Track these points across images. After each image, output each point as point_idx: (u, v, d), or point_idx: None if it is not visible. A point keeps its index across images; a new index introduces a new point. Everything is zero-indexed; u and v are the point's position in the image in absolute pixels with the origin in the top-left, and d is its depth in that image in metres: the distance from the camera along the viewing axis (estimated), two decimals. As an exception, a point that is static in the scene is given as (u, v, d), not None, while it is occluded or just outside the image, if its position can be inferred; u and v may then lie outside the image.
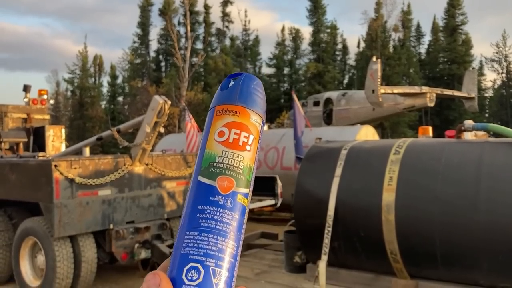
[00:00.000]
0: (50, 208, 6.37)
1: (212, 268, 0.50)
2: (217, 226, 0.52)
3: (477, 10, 74.96)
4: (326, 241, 5.24)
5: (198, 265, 0.50)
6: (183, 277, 0.50)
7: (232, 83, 0.57)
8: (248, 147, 0.55)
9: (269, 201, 10.48)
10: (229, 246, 0.52)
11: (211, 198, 0.53)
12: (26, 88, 11.67)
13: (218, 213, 0.52)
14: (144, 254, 7.07)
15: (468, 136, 5.85)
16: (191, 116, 13.96)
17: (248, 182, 0.55)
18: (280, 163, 12.95)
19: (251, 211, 12.45)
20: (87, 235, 6.77)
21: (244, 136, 0.54)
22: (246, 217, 0.55)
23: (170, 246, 6.96)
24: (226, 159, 0.53)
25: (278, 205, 10.75)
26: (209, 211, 0.52)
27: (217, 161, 0.53)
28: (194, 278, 0.50)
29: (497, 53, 47.11)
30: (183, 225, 0.53)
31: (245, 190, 0.54)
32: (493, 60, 47.36)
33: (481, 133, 6.44)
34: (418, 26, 48.90)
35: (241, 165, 0.54)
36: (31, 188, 6.79)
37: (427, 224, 4.90)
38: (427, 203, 4.95)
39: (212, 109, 0.57)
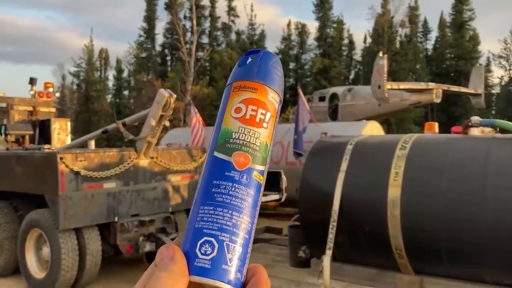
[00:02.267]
0: (55, 200, 6.40)
1: (226, 243, 0.50)
2: (232, 201, 0.51)
3: (485, 5, 74.36)
4: (331, 236, 5.23)
5: (212, 239, 0.50)
6: (197, 250, 0.49)
7: (250, 59, 0.56)
8: (265, 124, 0.54)
9: (274, 196, 10.47)
10: (244, 222, 0.51)
11: (226, 173, 0.52)
12: (32, 81, 11.71)
13: (233, 188, 0.51)
14: (148, 247, 7.09)
15: (475, 132, 5.80)
16: (196, 110, 13.95)
17: (264, 159, 0.54)
18: (285, 158, 12.93)
19: (255, 206, 12.37)
20: (92, 227, 6.79)
21: (261, 113, 0.54)
22: (261, 194, 0.54)
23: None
24: (242, 135, 0.53)
25: (283, 200, 10.74)
26: (224, 186, 0.51)
27: (233, 137, 0.53)
28: (208, 252, 0.49)
29: (504, 49, 46.73)
30: (197, 199, 0.53)
31: (261, 167, 0.54)
32: (500, 57, 46.99)
33: (487, 129, 6.38)
34: (425, 21, 48.58)
35: (257, 142, 0.53)
36: (36, 181, 6.81)
37: (432, 220, 4.88)
38: (433, 198, 4.92)
39: (229, 85, 0.56)
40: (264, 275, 0.51)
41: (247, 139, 0.53)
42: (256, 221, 0.53)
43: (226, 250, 0.49)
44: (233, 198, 0.51)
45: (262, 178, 0.54)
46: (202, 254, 0.49)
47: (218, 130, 0.54)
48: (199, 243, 0.50)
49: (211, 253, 0.49)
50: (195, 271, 0.49)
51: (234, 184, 0.51)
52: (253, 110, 0.53)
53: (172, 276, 0.47)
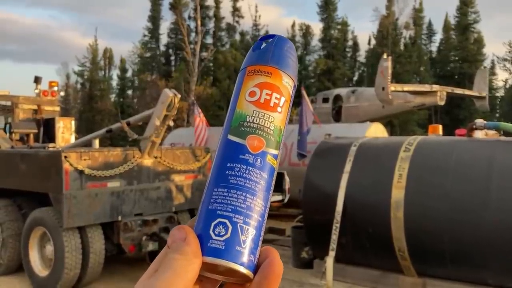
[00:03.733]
0: (59, 198, 6.42)
1: (240, 225, 0.49)
2: (246, 184, 0.51)
3: (489, 8, 74.09)
4: (334, 237, 5.22)
5: (226, 221, 0.49)
6: (210, 232, 0.49)
7: (264, 44, 0.56)
8: (279, 109, 0.54)
9: (277, 197, 10.47)
10: (258, 205, 0.51)
11: (240, 156, 0.52)
12: (37, 80, 11.74)
13: (247, 171, 0.51)
14: (151, 246, 7.10)
15: (479, 135, 5.79)
16: (200, 110, 13.98)
17: (278, 143, 0.53)
18: (288, 159, 12.93)
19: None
20: (96, 226, 6.81)
21: (276, 98, 0.54)
22: (274, 178, 0.54)
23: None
24: (256, 119, 0.53)
25: (286, 201, 10.74)
26: (238, 168, 0.51)
27: (247, 120, 0.53)
28: (222, 233, 0.49)
29: (509, 52, 46.58)
30: (211, 181, 0.52)
31: (275, 151, 0.53)
32: (505, 60, 46.85)
33: (491, 132, 6.37)
34: (430, 24, 48.50)
35: (271, 126, 0.53)
36: (41, 179, 6.84)
37: (436, 222, 4.87)
38: (436, 201, 4.92)
39: (244, 69, 0.56)
40: (276, 257, 0.51)
41: (261, 122, 0.52)
42: (269, 204, 0.53)
43: (240, 232, 0.49)
44: (247, 181, 0.51)
45: (276, 162, 0.53)
46: (215, 235, 0.49)
47: (232, 114, 0.54)
48: (213, 224, 0.49)
49: (224, 234, 0.49)
50: (208, 252, 0.48)
51: (248, 167, 0.51)
52: (268, 94, 0.53)
53: (186, 257, 0.47)
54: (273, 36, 0.57)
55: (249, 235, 0.50)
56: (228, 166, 0.52)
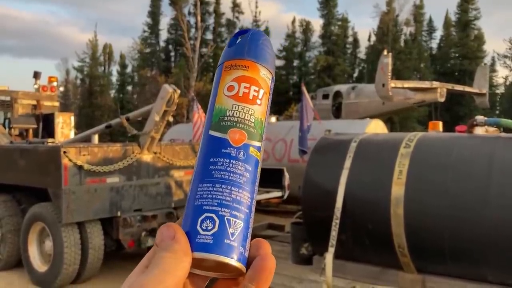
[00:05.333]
0: (58, 194, 6.41)
1: (227, 218, 0.49)
2: (230, 177, 0.51)
3: (490, 4, 73.94)
4: (334, 233, 5.22)
5: (213, 215, 0.49)
6: (198, 227, 0.49)
7: (239, 39, 0.56)
8: (258, 101, 0.54)
9: (276, 193, 10.48)
10: (244, 197, 0.51)
11: (223, 150, 0.52)
12: (36, 75, 11.72)
13: (231, 164, 0.51)
14: (150, 242, 7.09)
15: (479, 131, 5.77)
16: (199, 106, 13.93)
17: (260, 135, 0.54)
18: (288, 156, 12.92)
19: (257, 202, 12.43)
20: (95, 222, 6.80)
21: (254, 90, 0.54)
22: (259, 170, 0.54)
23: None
24: (236, 113, 0.53)
25: (285, 197, 10.74)
26: (221, 162, 0.51)
27: (227, 114, 0.53)
28: (209, 228, 0.49)
29: (510, 49, 46.49)
30: (195, 178, 0.52)
31: (258, 143, 0.53)
32: (505, 56, 46.78)
33: (492, 129, 6.35)
34: (430, 20, 48.40)
35: (252, 118, 0.53)
36: (40, 174, 6.82)
37: (436, 219, 4.86)
38: (436, 197, 4.91)
39: (221, 65, 0.56)
40: (268, 251, 0.50)
41: (242, 116, 0.53)
42: (256, 196, 0.53)
43: (227, 225, 0.49)
44: (231, 174, 0.51)
45: (259, 154, 0.54)
46: (203, 230, 0.49)
47: (212, 109, 0.54)
48: (199, 219, 0.49)
49: (212, 228, 0.49)
50: (197, 248, 0.48)
51: (231, 160, 0.51)
52: (246, 87, 0.53)
53: (175, 255, 0.46)
54: (248, 30, 0.57)
55: (237, 227, 0.49)
56: (211, 161, 0.52)
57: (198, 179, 0.52)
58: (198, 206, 0.50)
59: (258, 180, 0.53)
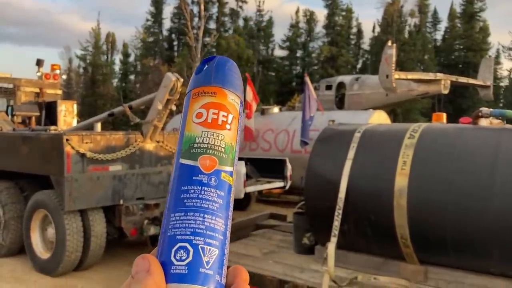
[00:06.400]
0: (61, 181, 6.41)
1: (201, 246, 0.49)
2: (202, 205, 0.50)
3: (496, -4, 73.22)
4: (336, 223, 5.20)
5: (186, 244, 0.49)
6: (172, 258, 0.48)
7: (206, 66, 0.56)
8: (228, 126, 0.53)
9: (278, 183, 10.48)
10: (217, 224, 0.50)
11: (194, 177, 0.51)
12: (39, 63, 11.69)
13: (202, 191, 0.51)
14: (153, 230, 7.11)
15: (483, 123, 5.73)
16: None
17: (231, 160, 0.53)
18: (290, 146, 12.90)
19: (259, 193, 12.46)
20: (97, 210, 6.81)
21: (223, 115, 0.53)
22: (232, 195, 0.53)
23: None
24: (206, 139, 0.52)
25: (287, 187, 10.75)
26: (193, 190, 0.51)
27: (197, 141, 0.52)
28: (183, 257, 0.48)
29: (515, 41, 46.14)
30: (168, 208, 0.52)
31: (229, 168, 0.53)
32: (510, 49, 46.44)
33: (496, 121, 6.31)
34: (435, 12, 48.06)
35: (222, 143, 0.52)
36: (42, 162, 6.82)
37: (439, 210, 4.84)
38: (440, 188, 4.88)
39: (188, 93, 0.55)
40: (243, 281, 0.50)
41: (211, 142, 0.52)
42: (230, 222, 0.53)
43: (201, 253, 0.48)
44: (203, 201, 0.50)
45: (232, 179, 0.53)
46: (177, 260, 0.48)
47: (182, 137, 0.53)
48: (173, 250, 0.49)
49: (186, 258, 0.48)
50: (172, 279, 0.47)
51: (203, 187, 0.51)
52: (214, 113, 0.53)
53: None
54: (213, 57, 0.56)
55: (212, 255, 0.49)
56: (183, 190, 0.51)
57: (171, 209, 0.51)
58: (171, 236, 0.49)
59: (232, 205, 0.53)
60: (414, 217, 4.97)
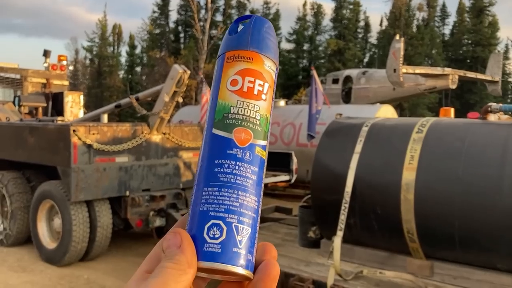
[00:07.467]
0: (67, 172, 6.43)
1: (235, 225, 0.47)
2: (237, 181, 0.49)
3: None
4: (342, 217, 5.19)
5: (220, 222, 0.47)
6: (205, 235, 0.47)
7: (241, 26, 0.52)
8: (263, 96, 0.51)
9: (284, 177, 10.47)
10: (251, 201, 0.49)
11: (228, 151, 0.49)
12: (46, 53, 11.71)
13: (237, 166, 0.49)
14: (158, 222, 7.13)
15: (491, 118, 5.68)
16: (208, 89, 13.87)
17: (265, 133, 0.51)
18: (296, 140, 12.89)
19: (265, 186, 12.45)
20: (103, 200, 6.83)
21: (259, 84, 0.51)
22: (264, 170, 0.52)
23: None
24: (241, 110, 0.50)
25: (293, 181, 10.74)
26: (227, 165, 0.49)
27: (232, 111, 0.50)
28: (217, 235, 0.47)
29: (524, 36, 45.67)
30: (199, 180, 0.50)
31: (263, 142, 0.51)
32: (519, 44, 46.01)
33: (504, 116, 6.26)
34: (444, 6, 47.65)
35: (257, 115, 0.50)
36: (49, 152, 6.84)
37: (447, 205, 4.81)
38: (448, 183, 4.85)
39: (222, 55, 0.52)
40: (273, 258, 0.49)
41: (247, 113, 0.50)
42: (262, 198, 0.51)
43: (235, 232, 0.47)
44: (238, 177, 0.49)
45: (265, 153, 0.52)
46: (210, 238, 0.47)
47: (215, 106, 0.50)
48: (206, 226, 0.47)
49: (220, 236, 0.47)
50: (205, 257, 0.46)
51: (238, 162, 0.49)
52: (250, 81, 0.50)
53: (179, 267, 0.45)
54: (249, 16, 0.52)
55: (245, 234, 0.48)
56: (216, 163, 0.49)
57: (203, 182, 0.49)
58: (204, 212, 0.48)
59: (263, 180, 0.51)
60: (421, 211, 4.94)
